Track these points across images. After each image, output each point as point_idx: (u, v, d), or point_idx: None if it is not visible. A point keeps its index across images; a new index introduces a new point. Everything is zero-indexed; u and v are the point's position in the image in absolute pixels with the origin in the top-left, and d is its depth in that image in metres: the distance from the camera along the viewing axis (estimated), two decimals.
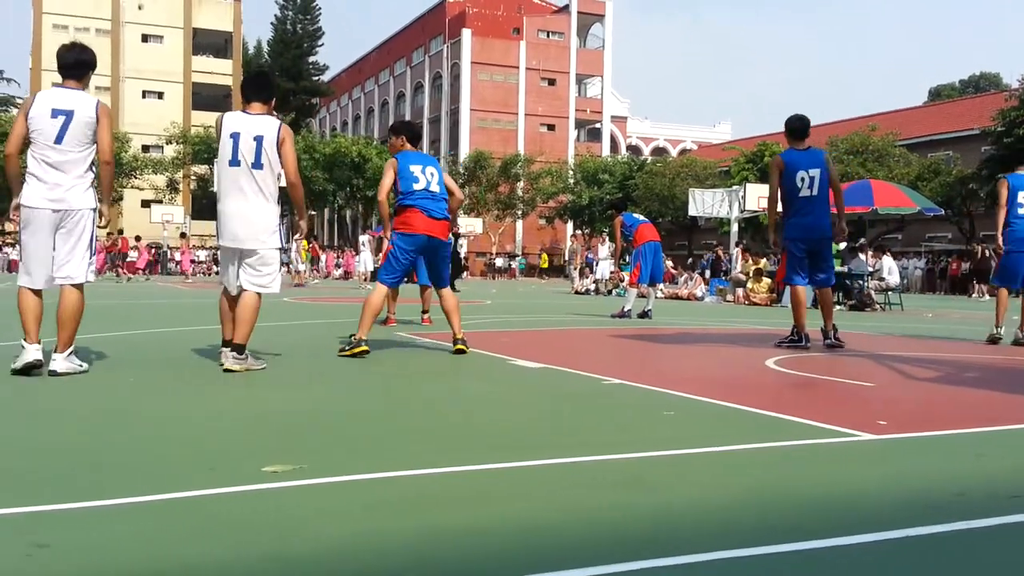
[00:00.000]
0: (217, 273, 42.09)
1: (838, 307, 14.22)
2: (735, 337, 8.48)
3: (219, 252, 5.37)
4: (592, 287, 23.06)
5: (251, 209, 5.00)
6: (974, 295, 26.38)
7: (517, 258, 55.09)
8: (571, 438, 3.26)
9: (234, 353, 4.88)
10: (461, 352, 5.94)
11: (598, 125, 69.55)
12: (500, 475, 2.64)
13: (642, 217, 11.19)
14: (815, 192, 6.84)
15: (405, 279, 6.50)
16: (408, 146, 6.16)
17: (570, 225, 57.26)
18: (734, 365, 5.98)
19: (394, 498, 2.34)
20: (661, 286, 11.74)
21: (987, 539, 2.08)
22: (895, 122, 43.39)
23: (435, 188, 5.96)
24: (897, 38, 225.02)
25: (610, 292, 21.87)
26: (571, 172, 55.22)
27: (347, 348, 5.72)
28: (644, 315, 10.94)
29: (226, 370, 4.80)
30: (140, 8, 58.73)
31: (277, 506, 2.23)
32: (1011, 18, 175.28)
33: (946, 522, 2.15)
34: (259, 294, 5.05)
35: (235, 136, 4.98)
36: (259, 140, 4.97)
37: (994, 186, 13.22)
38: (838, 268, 12.34)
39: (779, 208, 7.23)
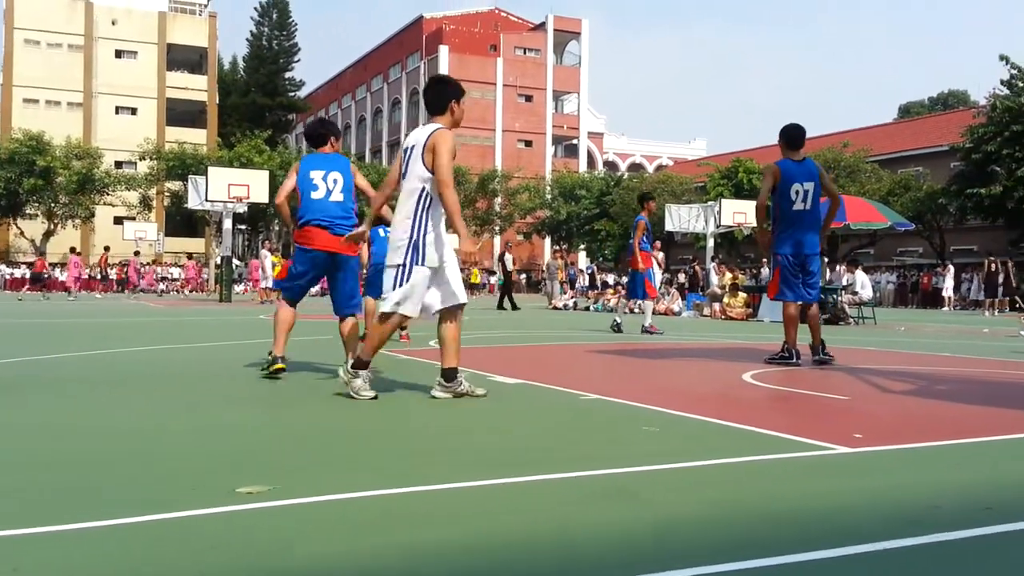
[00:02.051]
0: (198, 291, 40.07)
1: None
2: (712, 352, 8.53)
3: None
4: (571, 303, 23.12)
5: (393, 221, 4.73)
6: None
7: (495, 274, 55.10)
8: (552, 454, 3.26)
9: (440, 379, 4.71)
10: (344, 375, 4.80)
11: (575, 141, 69.98)
12: (484, 492, 2.63)
13: (650, 242, 11.63)
14: (808, 206, 6.75)
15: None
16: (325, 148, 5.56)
17: (548, 240, 57.42)
18: (712, 379, 6.01)
19: (379, 516, 2.32)
20: (640, 301, 12.09)
21: (963, 551, 2.10)
22: (866, 138, 44.09)
23: (338, 196, 5.34)
24: (867, 56, 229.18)
25: (587, 308, 21.99)
26: (548, 188, 55.49)
27: (265, 367, 5.52)
28: (617, 328, 11.40)
29: (433, 396, 4.66)
30: (114, 23, 58.39)
31: (258, 526, 2.21)
32: (979, 36, 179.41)
33: (922, 534, 2.17)
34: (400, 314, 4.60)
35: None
36: (410, 150, 4.62)
37: None
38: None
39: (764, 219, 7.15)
